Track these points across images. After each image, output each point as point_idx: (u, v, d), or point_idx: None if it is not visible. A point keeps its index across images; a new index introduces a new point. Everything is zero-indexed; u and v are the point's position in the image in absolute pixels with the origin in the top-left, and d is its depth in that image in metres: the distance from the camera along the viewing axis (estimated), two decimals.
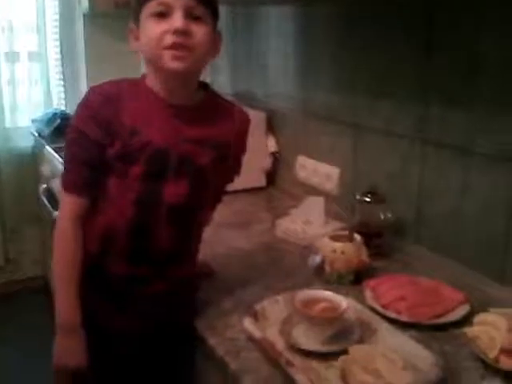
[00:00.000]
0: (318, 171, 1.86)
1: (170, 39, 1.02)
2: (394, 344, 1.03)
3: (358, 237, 1.36)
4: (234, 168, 1.27)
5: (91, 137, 1.05)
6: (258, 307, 1.13)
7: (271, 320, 1.12)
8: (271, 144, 2.08)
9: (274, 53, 2.07)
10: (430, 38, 1.39)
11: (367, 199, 1.49)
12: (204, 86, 1.16)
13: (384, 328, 1.08)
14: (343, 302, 1.09)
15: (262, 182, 2.10)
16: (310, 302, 1.09)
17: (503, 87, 1.23)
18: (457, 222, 1.39)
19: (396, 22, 1.49)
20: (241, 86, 2.36)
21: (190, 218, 1.15)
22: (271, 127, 2.09)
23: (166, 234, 1.11)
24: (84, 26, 2.99)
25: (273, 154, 2.09)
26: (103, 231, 1.10)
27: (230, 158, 1.19)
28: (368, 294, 1.24)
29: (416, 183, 1.49)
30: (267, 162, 2.08)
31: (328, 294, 1.12)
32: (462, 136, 1.34)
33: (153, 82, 1.10)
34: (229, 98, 2.34)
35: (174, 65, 1.03)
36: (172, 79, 1.08)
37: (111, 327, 1.12)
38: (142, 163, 1.06)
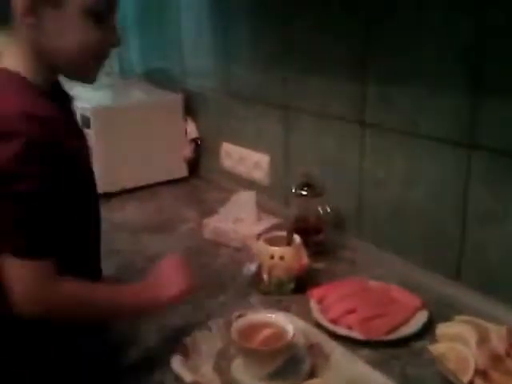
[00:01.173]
0: (246, 159, 1.68)
1: (107, 52, 0.89)
2: (351, 374, 0.87)
3: (297, 238, 1.19)
4: None
5: None
6: (187, 341, 0.94)
7: (204, 354, 0.93)
8: (191, 129, 1.87)
9: (187, 25, 1.84)
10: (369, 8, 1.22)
11: (304, 192, 1.32)
12: None
13: (338, 353, 0.92)
14: (289, 325, 0.91)
15: (184, 172, 1.89)
16: (250, 330, 0.91)
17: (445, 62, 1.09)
18: (404, 213, 1.24)
19: None
20: (153, 64, 2.11)
21: None
22: (190, 110, 1.87)
23: None
24: None
25: (194, 140, 1.87)
26: None
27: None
28: (314, 306, 1.08)
29: (356, 171, 1.33)
30: (188, 150, 1.87)
31: (270, 317, 0.94)
32: (406, 117, 1.19)
33: (31, 75, 0.85)
34: (140, 78, 2.13)
35: (97, 77, 0.91)
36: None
37: None
38: None
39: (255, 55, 1.59)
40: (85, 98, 1.68)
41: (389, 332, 1.00)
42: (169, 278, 0.93)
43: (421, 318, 1.04)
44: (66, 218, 0.83)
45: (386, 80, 1.21)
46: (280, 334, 0.90)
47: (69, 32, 0.83)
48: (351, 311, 1.04)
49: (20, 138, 0.75)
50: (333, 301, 1.07)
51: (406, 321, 1.03)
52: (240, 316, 0.95)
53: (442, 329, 0.97)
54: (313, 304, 1.08)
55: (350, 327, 1.01)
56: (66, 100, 0.98)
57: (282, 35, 1.46)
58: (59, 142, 0.80)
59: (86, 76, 0.91)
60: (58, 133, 0.80)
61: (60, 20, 0.82)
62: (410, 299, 1.08)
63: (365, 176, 1.31)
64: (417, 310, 1.06)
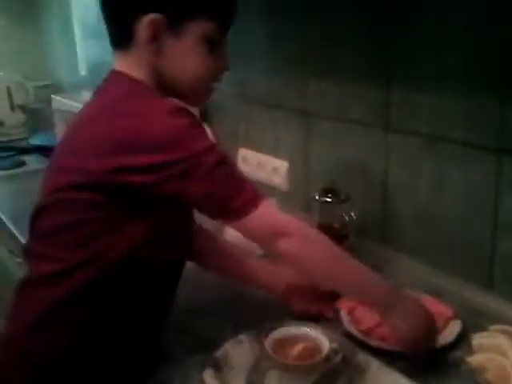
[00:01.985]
0: (264, 165, 1.66)
1: (219, 77, 0.95)
2: None
3: None
4: None
5: None
6: (218, 354, 0.92)
7: (236, 368, 0.91)
8: None
9: None
10: (390, 9, 1.20)
11: (328, 199, 1.30)
12: None
13: (374, 366, 0.90)
14: (323, 338, 0.89)
15: None
16: (284, 343, 0.89)
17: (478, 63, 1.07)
18: (431, 219, 1.22)
19: None
20: None
21: None
22: (206, 116, 1.85)
23: None
24: None
25: None
26: None
27: None
28: (345, 317, 1.05)
29: (381, 176, 1.31)
30: None
31: (303, 329, 0.92)
32: (432, 121, 1.17)
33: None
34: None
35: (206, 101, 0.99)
36: None
37: None
38: None
39: (271, 59, 1.57)
40: None
41: None
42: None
43: (454, 328, 1.01)
44: None
45: (410, 83, 1.19)
46: (315, 347, 0.88)
47: (186, 59, 0.88)
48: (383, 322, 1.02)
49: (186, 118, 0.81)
50: (364, 311, 1.04)
51: (439, 331, 1.01)
52: (271, 328, 0.93)
53: (478, 339, 0.95)
54: (344, 315, 1.06)
55: (382, 339, 0.99)
56: None
57: (299, 37, 1.44)
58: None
59: (197, 100, 0.97)
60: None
61: (178, 47, 0.87)
62: (441, 308, 1.06)
63: (390, 182, 1.29)
64: (449, 319, 1.03)
